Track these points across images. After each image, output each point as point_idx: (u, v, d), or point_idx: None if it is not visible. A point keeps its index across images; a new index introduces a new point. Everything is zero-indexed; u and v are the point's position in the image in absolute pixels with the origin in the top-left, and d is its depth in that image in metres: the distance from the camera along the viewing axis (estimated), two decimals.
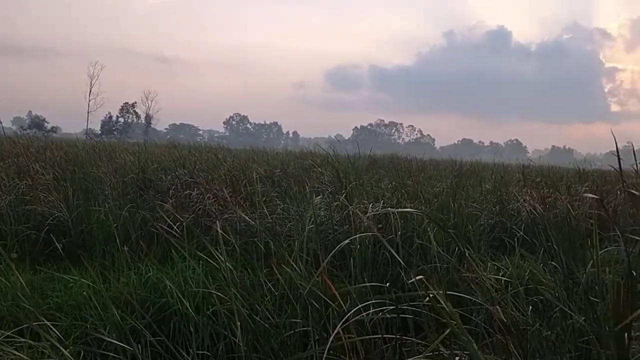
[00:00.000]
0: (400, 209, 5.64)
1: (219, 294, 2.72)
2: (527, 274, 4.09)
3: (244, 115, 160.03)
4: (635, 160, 2.95)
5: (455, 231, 5.99)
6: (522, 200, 7.64)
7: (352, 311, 1.86)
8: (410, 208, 6.41)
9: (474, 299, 2.33)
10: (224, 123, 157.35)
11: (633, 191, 2.17)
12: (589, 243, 4.72)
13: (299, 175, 9.10)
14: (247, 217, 3.82)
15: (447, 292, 2.20)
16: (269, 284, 3.04)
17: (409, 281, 1.79)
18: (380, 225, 5.66)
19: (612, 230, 3.06)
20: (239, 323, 2.36)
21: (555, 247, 3.16)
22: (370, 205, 5.69)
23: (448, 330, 1.25)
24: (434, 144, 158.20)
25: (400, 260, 2.54)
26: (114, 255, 4.64)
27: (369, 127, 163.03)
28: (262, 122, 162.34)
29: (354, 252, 4.30)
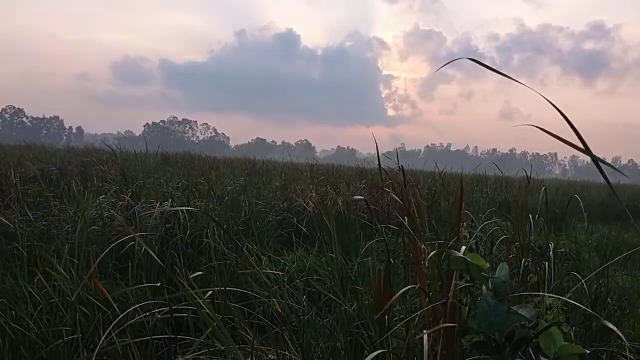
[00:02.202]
0: (179, 208, 5.54)
1: None
2: (307, 267, 4.31)
3: (19, 108, 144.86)
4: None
5: (244, 228, 6.10)
6: (308, 197, 8.03)
7: (122, 315, 1.79)
8: (202, 206, 6.38)
9: (252, 293, 2.39)
10: None
11: (386, 189, 2.40)
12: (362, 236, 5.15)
13: (81, 174, 8.50)
14: (5, 221, 3.45)
15: (227, 288, 2.23)
16: (38, 292, 2.78)
17: (187, 279, 1.77)
18: (169, 225, 5.54)
19: (380, 225, 3.36)
20: None
21: (333, 240, 3.39)
22: (158, 205, 5.53)
23: (210, 330, 1.27)
24: (229, 143, 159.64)
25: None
26: None
27: (161, 124, 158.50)
28: (42, 117, 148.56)
29: (138, 254, 4.14)
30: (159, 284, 2.47)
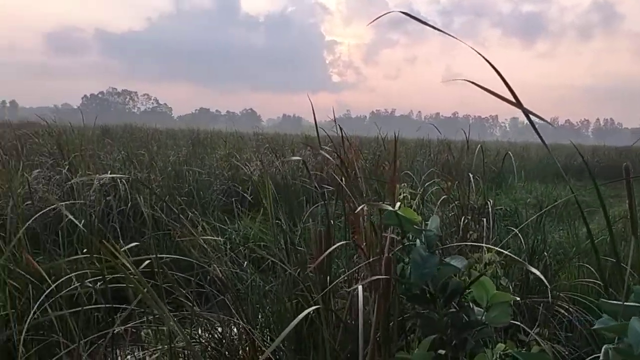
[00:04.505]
0: (115, 175, 5.41)
1: None
2: (252, 234, 4.29)
3: None
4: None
5: (188, 198, 6.02)
6: (252, 165, 7.97)
7: (53, 285, 1.74)
8: (140, 178, 6.24)
9: (191, 260, 2.36)
10: None
11: (322, 152, 2.40)
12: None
13: (14, 148, 8.15)
14: None
15: (165, 256, 2.19)
16: None
17: (122, 249, 1.72)
18: (109, 197, 5.41)
19: (319, 189, 3.36)
20: None
21: (270, 205, 3.37)
22: (96, 177, 5.38)
23: (140, 296, 1.24)
24: (172, 113, 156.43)
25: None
26: None
27: (100, 95, 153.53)
28: None
29: (76, 227, 4.03)
30: (88, 254, 2.39)
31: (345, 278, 2.37)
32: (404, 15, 1.31)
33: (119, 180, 5.34)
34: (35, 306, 1.66)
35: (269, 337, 2.63)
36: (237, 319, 2.20)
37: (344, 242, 1.88)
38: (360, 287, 1.30)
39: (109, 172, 6.11)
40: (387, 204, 1.49)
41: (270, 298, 2.81)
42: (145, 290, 1.03)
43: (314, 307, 1.48)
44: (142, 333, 2.35)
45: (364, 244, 1.77)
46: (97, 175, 5.45)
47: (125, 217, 5.18)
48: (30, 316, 1.60)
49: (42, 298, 1.70)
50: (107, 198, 5.34)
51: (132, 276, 1.04)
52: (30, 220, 1.79)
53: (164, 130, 19.21)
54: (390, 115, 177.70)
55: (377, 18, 1.29)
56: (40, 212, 1.88)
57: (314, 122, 2.64)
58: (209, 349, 2.24)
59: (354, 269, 1.90)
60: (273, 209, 2.72)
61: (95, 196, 5.19)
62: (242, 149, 11.12)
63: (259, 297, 2.67)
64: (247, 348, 2.26)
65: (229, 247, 2.96)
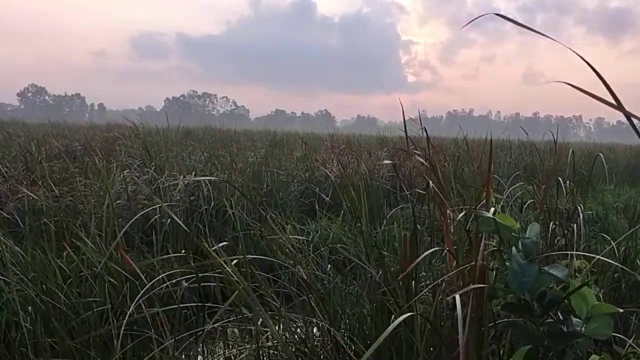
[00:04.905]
0: (203, 177, 5.56)
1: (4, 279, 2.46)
2: (331, 235, 4.31)
3: (41, 87, 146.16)
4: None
5: (267, 199, 6.13)
6: (329, 166, 8.00)
7: (149, 284, 1.81)
8: (224, 179, 6.40)
9: (278, 261, 2.39)
10: (18, 95, 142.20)
11: (417, 155, 2.37)
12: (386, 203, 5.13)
13: (104, 149, 8.58)
14: (33, 195, 3.49)
15: (250, 256, 2.23)
16: (67, 266, 2.82)
17: (212, 248, 1.77)
18: (192, 197, 5.59)
19: (407, 191, 3.33)
20: (30, 308, 2.18)
21: (363, 206, 3.37)
22: (181, 177, 5.56)
23: (235, 294, 1.27)
24: (249, 115, 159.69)
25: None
26: None
27: (181, 98, 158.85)
28: (63, 94, 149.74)
29: (164, 225, 4.19)
30: (184, 253, 2.49)
31: (429, 282, 2.34)
32: (482, 13, 1.27)
33: (202, 181, 5.51)
34: (134, 303, 1.74)
35: (348, 339, 2.63)
36: (321, 320, 2.22)
37: (434, 249, 1.85)
38: (457, 297, 1.28)
39: (193, 172, 6.31)
40: (477, 209, 1.46)
41: (351, 300, 2.82)
42: (243, 289, 1.06)
43: (407, 315, 1.46)
44: (228, 331, 2.42)
45: (452, 248, 1.74)
46: (182, 176, 5.65)
47: (208, 216, 5.34)
48: (128, 312, 1.68)
49: (140, 295, 1.78)
50: (191, 198, 5.53)
51: (231, 276, 1.07)
52: (132, 220, 1.88)
53: (242, 131, 19.63)
54: (468, 116, 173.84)
55: (472, 20, 1.26)
56: (142, 213, 1.97)
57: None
58: (293, 348, 2.28)
59: (445, 276, 1.87)
60: (354, 210, 2.72)
61: (180, 196, 5.39)
62: (318, 150, 11.20)
63: (340, 298, 2.68)
64: (330, 350, 2.28)
65: (310, 248, 2.99)
